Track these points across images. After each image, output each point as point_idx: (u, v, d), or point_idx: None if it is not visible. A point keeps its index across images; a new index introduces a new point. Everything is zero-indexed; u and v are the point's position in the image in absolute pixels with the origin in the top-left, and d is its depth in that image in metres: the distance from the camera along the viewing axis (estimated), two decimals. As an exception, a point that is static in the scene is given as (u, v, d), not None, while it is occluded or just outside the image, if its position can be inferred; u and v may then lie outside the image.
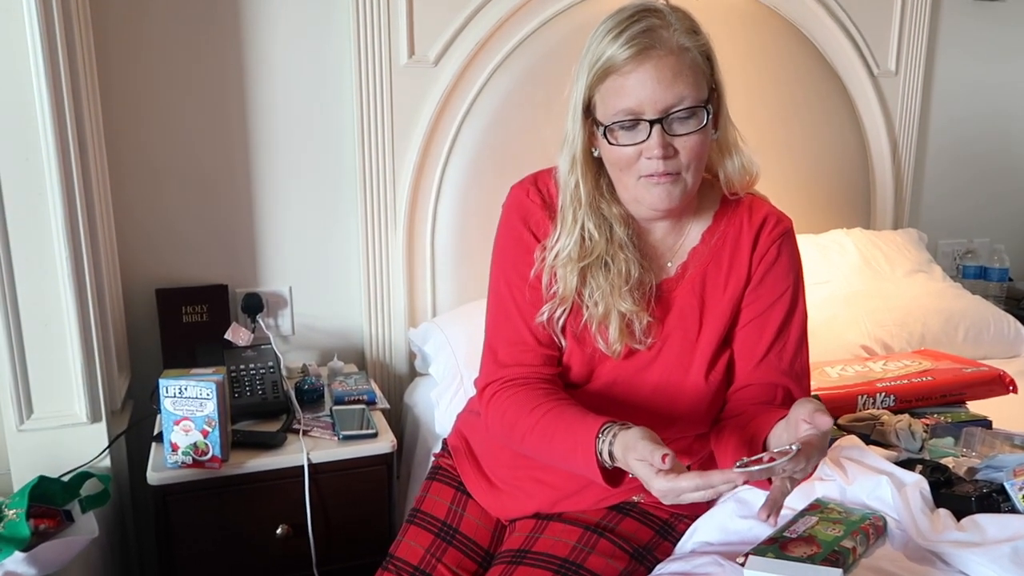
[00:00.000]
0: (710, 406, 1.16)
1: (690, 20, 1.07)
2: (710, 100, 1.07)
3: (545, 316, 1.15)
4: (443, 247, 1.97)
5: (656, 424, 1.15)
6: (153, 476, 1.42)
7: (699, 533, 1.19)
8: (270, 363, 1.72)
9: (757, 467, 0.84)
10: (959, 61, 2.52)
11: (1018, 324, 2.02)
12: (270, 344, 1.80)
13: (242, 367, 1.70)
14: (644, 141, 1.05)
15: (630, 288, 1.13)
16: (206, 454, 1.41)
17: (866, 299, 1.93)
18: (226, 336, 1.81)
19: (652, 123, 1.03)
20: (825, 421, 0.88)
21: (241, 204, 1.88)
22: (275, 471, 1.48)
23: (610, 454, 0.96)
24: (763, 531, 1.11)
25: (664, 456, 0.86)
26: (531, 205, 1.17)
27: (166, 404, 1.39)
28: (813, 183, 2.31)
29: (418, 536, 1.25)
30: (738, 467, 0.85)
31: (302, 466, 1.48)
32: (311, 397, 1.72)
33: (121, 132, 1.76)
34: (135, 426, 1.64)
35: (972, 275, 2.48)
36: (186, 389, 1.38)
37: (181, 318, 1.81)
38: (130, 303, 1.81)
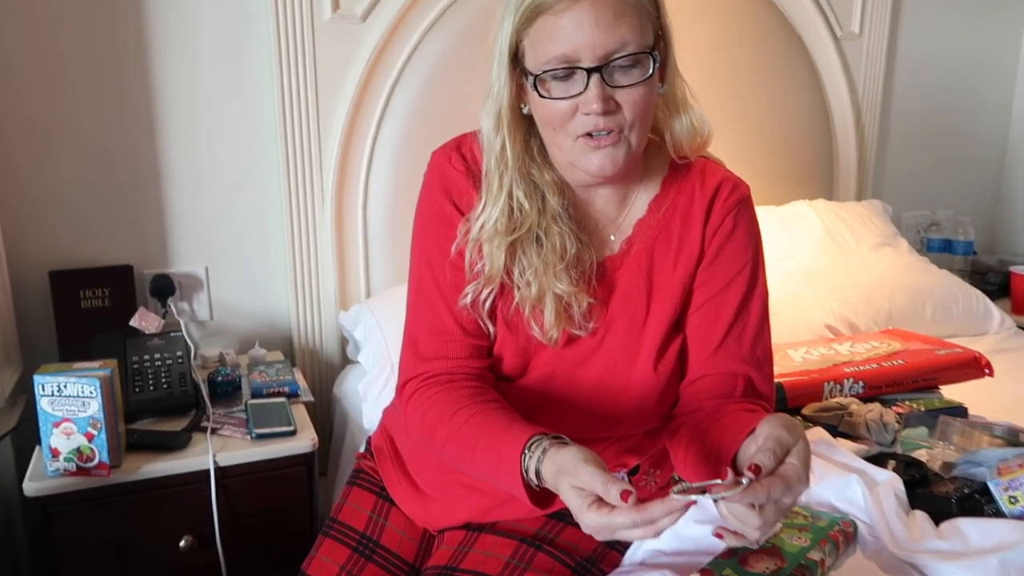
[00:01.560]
0: (660, 399, 1.02)
1: None
2: (656, 47, 0.92)
3: (469, 298, 0.99)
4: (376, 221, 1.80)
5: (601, 421, 1.02)
6: (30, 486, 1.24)
7: (650, 540, 1.05)
8: (179, 352, 1.54)
9: (697, 495, 0.70)
10: (925, 24, 2.40)
11: (986, 300, 1.92)
12: (180, 331, 1.61)
13: (146, 358, 1.52)
14: (581, 94, 0.90)
15: (566, 266, 0.98)
16: (92, 460, 1.23)
17: (830, 275, 1.82)
18: (132, 323, 1.63)
19: (590, 72, 0.89)
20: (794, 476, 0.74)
21: (147, 174, 1.68)
22: (177, 476, 1.31)
23: (537, 472, 0.82)
24: (721, 541, 0.98)
25: (626, 493, 0.71)
26: (453, 173, 1.02)
27: (43, 404, 1.21)
28: (773, 151, 2.18)
29: (333, 551, 1.10)
30: (676, 492, 0.71)
31: (208, 470, 1.31)
32: (226, 390, 1.55)
33: (0, 88, 1.55)
34: (21, 426, 1.45)
35: (936, 248, 2.38)
36: (66, 387, 1.20)
37: (79, 303, 1.62)
38: (19, 287, 1.61)
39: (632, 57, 0.89)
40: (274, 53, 1.66)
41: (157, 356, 1.53)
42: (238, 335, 1.82)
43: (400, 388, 1.04)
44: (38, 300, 1.62)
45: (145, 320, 1.64)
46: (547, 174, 0.99)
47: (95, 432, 1.22)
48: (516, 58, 0.94)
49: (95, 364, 1.26)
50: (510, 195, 0.97)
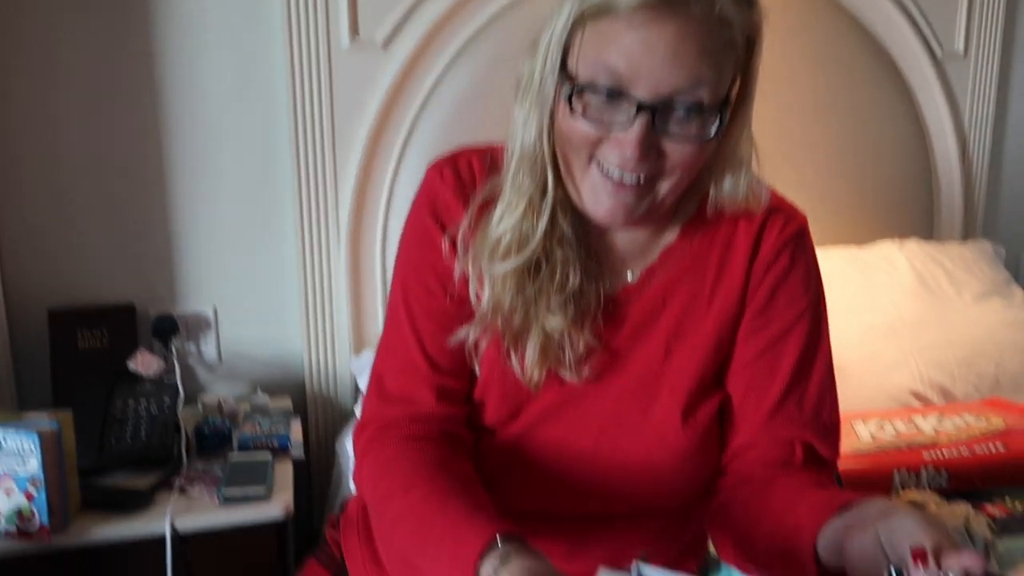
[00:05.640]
0: (683, 465, 0.82)
1: None
2: (728, 99, 0.75)
3: (470, 336, 0.82)
4: (397, 260, 1.65)
5: (607, 490, 0.82)
6: (-33, 548, 1.13)
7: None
8: (166, 398, 1.42)
9: None
10: (1045, 40, 2.07)
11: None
12: (174, 376, 1.50)
13: (130, 404, 1.40)
14: (619, 127, 0.73)
15: (563, 299, 0.81)
16: (32, 522, 1.11)
17: (920, 330, 1.52)
18: (130, 365, 1.52)
19: (640, 108, 0.71)
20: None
21: (153, 209, 1.59)
22: (130, 542, 1.17)
23: None
24: None
25: None
26: (441, 188, 0.85)
27: (-17, 458, 1.10)
28: (862, 181, 1.89)
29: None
30: None
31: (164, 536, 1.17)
32: (213, 442, 1.42)
33: (1, 116, 1.49)
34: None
35: (1062, 300, 2.01)
36: (5, 440, 1.09)
37: (76, 344, 1.53)
38: (18, 325, 1.54)
39: (698, 107, 0.71)
40: (288, 81, 1.55)
41: (143, 402, 1.41)
42: (249, 379, 1.70)
43: (356, 434, 0.87)
44: (37, 339, 1.55)
45: (144, 363, 1.53)
46: (560, 188, 0.81)
47: (35, 492, 1.10)
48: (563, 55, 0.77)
49: (43, 415, 1.14)
50: (531, 201, 0.79)
